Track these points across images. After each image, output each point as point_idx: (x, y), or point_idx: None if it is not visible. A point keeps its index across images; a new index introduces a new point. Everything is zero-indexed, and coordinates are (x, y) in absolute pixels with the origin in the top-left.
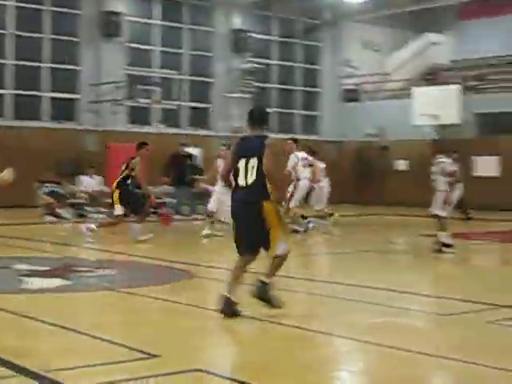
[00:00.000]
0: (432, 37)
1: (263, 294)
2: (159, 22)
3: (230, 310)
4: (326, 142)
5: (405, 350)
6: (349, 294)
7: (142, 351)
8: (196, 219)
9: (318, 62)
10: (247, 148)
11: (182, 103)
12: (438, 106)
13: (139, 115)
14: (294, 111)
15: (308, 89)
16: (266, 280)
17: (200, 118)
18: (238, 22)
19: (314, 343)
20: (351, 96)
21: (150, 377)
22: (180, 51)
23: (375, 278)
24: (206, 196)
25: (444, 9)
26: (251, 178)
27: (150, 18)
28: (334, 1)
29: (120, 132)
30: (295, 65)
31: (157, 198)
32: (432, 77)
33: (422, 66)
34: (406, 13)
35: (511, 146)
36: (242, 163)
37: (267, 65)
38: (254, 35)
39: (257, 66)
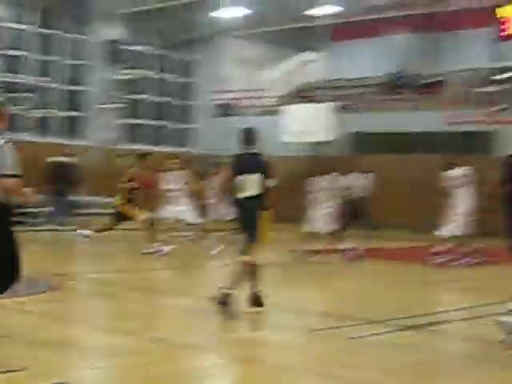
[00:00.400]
0: (307, 55)
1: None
2: (35, 29)
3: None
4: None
5: (267, 365)
6: (209, 307)
7: (8, 365)
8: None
9: (193, 75)
10: (246, 164)
11: (55, 111)
12: (309, 124)
13: (11, 122)
14: (167, 123)
15: (182, 102)
16: (257, 290)
17: (73, 127)
18: (114, 32)
19: (175, 357)
20: (224, 111)
21: None
22: (55, 59)
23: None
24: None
25: (319, 29)
26: (254, 190)
27: (25, 25)
28: (212, 16)
29: None
30: (170, 77)
31: (27, 207)
32: (305, 94)
33: (295, 84)
34: (282, 31)
35: (382, 164)
36: (242, 178)
37: (142, 76)
38: (130, 46)
39: (132, 77)
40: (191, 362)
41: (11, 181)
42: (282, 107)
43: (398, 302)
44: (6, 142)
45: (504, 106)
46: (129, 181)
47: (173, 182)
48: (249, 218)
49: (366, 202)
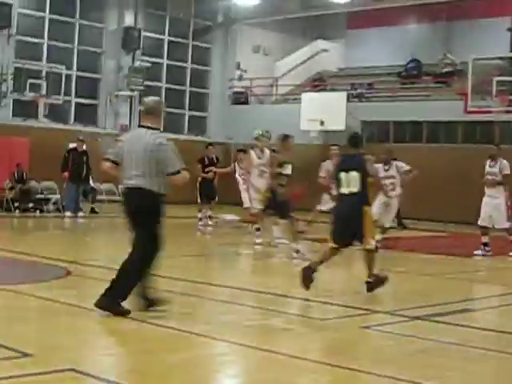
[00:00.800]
0: (322, 44)
1: (376, 286)
2: (50, 16)
3: (310, 278)
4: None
5: (279, 354)
6: (224, 295)
7: (15, 350)
8: (84, 216)
9: (208, 63)
10: (348, 163)
11: (70, 98)
12: (325, 112)
13: (25, 109)
14: (183, 111)
15: (197, 89)
16: (370, 279)
17: (87, 114)
18: (129, 19)
19: (188, 344)
20: (240, 99)
21: (22, 376)
22: (70, 46)
23: (252, 280)
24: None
25: (334, 17)
26: (354, 187)
27: (41, 11)
28: (227, 4)
29: (5, 125)
30: (186, 65)
31: (40, 193)
32: (320, 83)
33: (311, 72)
34: (297, 19)
35: (395, 154)
36: (343, 175)
37: (158, 63)
38: (145, 33)
39: (147, 64)
40: (202, 350)
41: (180, 176)
42: (300, 95)
43: (414, 292)
44: (166, 139)
45: None
46: (279, 166)
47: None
48: (350, 213)
49: None
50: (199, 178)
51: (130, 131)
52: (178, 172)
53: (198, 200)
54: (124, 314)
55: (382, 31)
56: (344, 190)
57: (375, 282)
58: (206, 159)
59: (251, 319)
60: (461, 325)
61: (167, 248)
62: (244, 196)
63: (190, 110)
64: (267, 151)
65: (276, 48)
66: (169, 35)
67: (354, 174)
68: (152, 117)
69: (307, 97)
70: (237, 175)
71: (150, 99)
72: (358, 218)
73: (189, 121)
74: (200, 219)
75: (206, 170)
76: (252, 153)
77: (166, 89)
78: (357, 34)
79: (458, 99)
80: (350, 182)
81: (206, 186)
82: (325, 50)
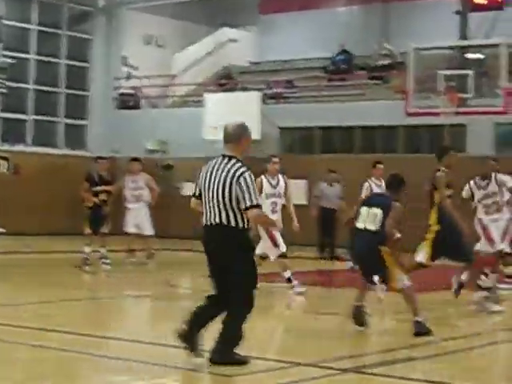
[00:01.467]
0: (229, 32)
1: (422, 329)
2: None
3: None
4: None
5: None
6: (107, 349)
7: None
8: None
9: (87, 58)
10: (373, 200)
11: None
12: (234, 117)
13: None
14: (56, 119)
15: (74, 92)
16: (419, 318)
17: None
18: None
19: None
20: (128, 102)
21: None
22: None
23: (146, 330)
24: None
25: (243, 0)
26: (372, 225)
27: None
28: None
29: None
30: (59, 61)
31: None
32: (228, 81)
33: (216, 68)
34: (198, 2)
35: (321, 167)
36: (364, 210)
37: (23, 59)
38: (6, 22)
39: (9, 60)
40: None
41: (252, 212)
42: (203, 97)
43: (350, 338)
44: (247, 173)
45: (471, 95)
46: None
47: None
48: (365, 252)
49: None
50: (87, 202)
51: (210, 161)
52: (248, 208)
53: (87, 229)
54: (245, 362)
55: (303, 16)
56: (360, 225)
57: (420, 328)
58: (95, 176)
59: (143, 378)
60: (400, 377)
61: (44, 292)
62: None
63: (65, 117)
64: (281, 177)
65: (173, 38)
66: (37, 24)
67: (376, 211)
68: (231, 145)
69: (212, 98)
70: None
71: (229, 124)
72: (375, 259)
73: (65, 131)
74: (87, 256)
75: (96, 189)
76: (263, 179)
77: (35, 91)
78: (272, 19)
79: (397, 98)
80: (369, 218)
81: (96, 212)
82: (233, 41)
